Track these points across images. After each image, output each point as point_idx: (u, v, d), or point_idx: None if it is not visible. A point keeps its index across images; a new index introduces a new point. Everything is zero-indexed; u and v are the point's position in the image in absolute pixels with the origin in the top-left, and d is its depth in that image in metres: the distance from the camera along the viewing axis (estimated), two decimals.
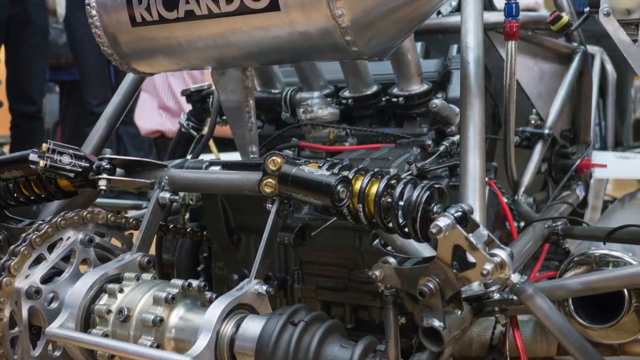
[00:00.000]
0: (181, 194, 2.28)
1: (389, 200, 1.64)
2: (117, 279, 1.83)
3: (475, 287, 1.76)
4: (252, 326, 1.61)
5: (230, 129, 2.29)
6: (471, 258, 1.50)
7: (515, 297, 1.73)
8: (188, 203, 2.42)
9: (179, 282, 1.73)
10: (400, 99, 2.52)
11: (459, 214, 1.52)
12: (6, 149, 6.14)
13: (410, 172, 2.11)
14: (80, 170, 1.96)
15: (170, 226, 2.36)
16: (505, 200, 2.41)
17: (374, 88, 2.61)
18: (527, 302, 1.70)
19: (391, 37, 1.90)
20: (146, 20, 2.00)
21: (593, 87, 3.48)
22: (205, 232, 2.38)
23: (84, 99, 6.57)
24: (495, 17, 2.61)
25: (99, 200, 2.74)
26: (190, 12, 1.91)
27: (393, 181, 1.67)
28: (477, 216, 1.93)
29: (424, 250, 1.80)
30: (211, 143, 3.68)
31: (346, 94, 2.65)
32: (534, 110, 2.93)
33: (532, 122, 2.87)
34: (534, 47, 2.98)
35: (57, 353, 1.86)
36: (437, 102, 2.34)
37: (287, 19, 1.81)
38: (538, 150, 2.83)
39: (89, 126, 3.34)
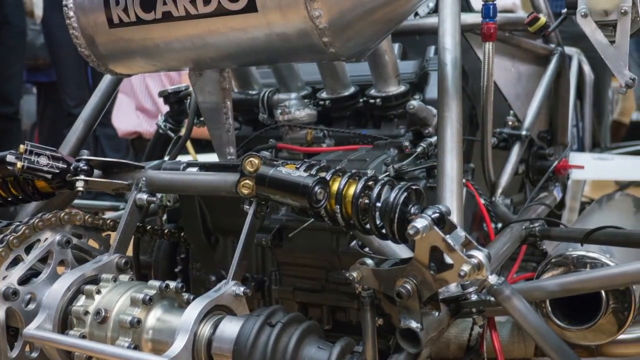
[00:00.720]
0: (159, 195, 2.27)
1: (367, 201, 1.65)
2: (95, 280, 1.83)
3: (453, 288, 1.75)
4: (230, 327, 1.61)
5: (208, 130, 2.29)
6: (448, 259, 1.50)
7: (492, 299, 1.72)
8: (165, 204, 2.41)
9: (157, 283, 1.73)
10: (378, 100, 2.52)
11: (436, 215, 1.52)
12: None
13: (387, 173, 2.11)
14: (57, 171, 1.95)
15: (148, 227, 2.35)
16: (482, 201, 2.41)
17: (352, 89, 2.62)
18: (505, 304, 1.69)
19: (369, 38, 1.90)
20: (123, 22, 1.99)
21: (570, 88, 3.50)
22: (182, 234, 2.37)
23: (61, 100, 6.55)
24: (472, 18, 2.61)
25: (76, 201, 2.73)
26: (167, 13, 1.90)
27: (370, 182, 1.67)
28: (454, 217, 1.93)
29: (402, 251, 1.80)
30: (188, 144, 3.69)
31: (323, 95, 2.65)
32: (511, 112, 2.93)
33: (510, 123, 2.87)
34: (511, 49, 2.99)
35: (34, 354, 1.85)
36: (415, 103, 2.34)
37: (264, 20, 1.80)
38: (515, 151, 2.84)
39: (66, 127, 3.33)
